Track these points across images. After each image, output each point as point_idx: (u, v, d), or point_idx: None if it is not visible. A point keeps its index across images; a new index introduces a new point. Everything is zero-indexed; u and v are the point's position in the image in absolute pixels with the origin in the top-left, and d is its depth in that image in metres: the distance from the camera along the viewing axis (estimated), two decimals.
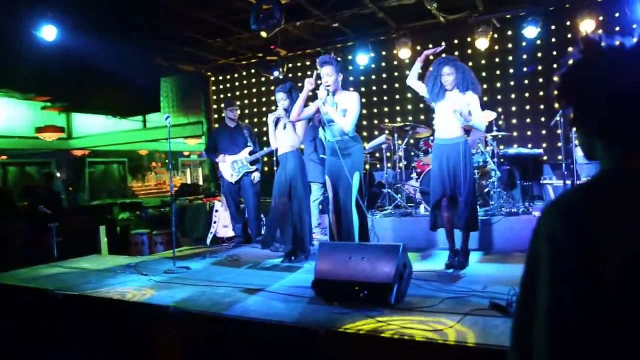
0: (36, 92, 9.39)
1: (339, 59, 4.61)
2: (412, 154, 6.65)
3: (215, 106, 10.22)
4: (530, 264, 0.96)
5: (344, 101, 4.29)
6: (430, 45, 8.24)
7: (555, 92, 1.02)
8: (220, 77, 10.24)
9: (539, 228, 0.93)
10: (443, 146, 4.20)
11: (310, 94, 4.42)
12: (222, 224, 6.40)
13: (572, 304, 0.85)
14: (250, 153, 6.09)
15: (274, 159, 5.19)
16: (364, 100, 8.72)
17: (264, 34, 6.36)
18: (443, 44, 4.83)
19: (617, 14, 7.10)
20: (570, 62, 1.01)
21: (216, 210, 6.48)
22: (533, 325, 0.91)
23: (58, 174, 12.23)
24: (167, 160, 10.86)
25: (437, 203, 4.27)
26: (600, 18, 6.87)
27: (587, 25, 6.68)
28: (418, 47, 8.18)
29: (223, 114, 6.41)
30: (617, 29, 7.00)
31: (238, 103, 7.75)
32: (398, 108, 8.58)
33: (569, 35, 7.31)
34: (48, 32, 5.99)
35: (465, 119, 4.05)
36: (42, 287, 4.21)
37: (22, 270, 5.07)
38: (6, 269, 5.16)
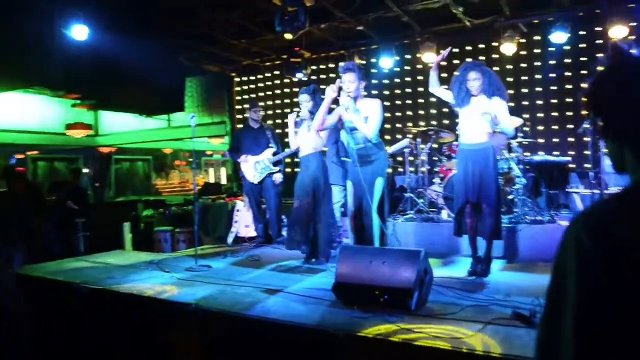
0: (67, 90, 9.66)
1: (361, 65, 4.60)
2: (436, 158, 6.60)
3: (239, 107, 10.31)
4: (556, 276, 0.95)
5: (366, 108, 4.27)
6: (457, 50, 8.20)
7: (584, 101, 1.01)
8: (245, 78, 10.33)
9: (567, 239, 0.92)
10: (469, 152, 4.16)
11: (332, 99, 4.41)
12: (244, 224, 6.46)
13: (600, 316, 0.84)
14: (273, 154, 6.13)
15: (298, 160, 5.22)
16: (387, 103, 8.70)
17: (288, 36, 6.40)
18: (456, 50, 4.79)
19: None
20: (600, 69, 1.00)
21: (238, 210, 6.55)
22: (559, 339, 0.90)
23: (86, 170, 12.51)
24: (191, 159, 10.98)
25: (460, 209, 4.23)
26: (633, 24, 6.70)
27: (618, 32, 6.53)
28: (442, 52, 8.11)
29: (247, 115, 6.47)
30: None
31: (262, 104, 7.79)
32: (422, 112, 8.52)
33: (599, 42, 7.15)
34: (79, 32, 6.14)
35: (494, 123, 4.01)
36: (68, 281, 4.32)
37: (49, 264, 5.21)
38: (34, 262, 5.31)
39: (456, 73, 4.31)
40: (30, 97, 11.11)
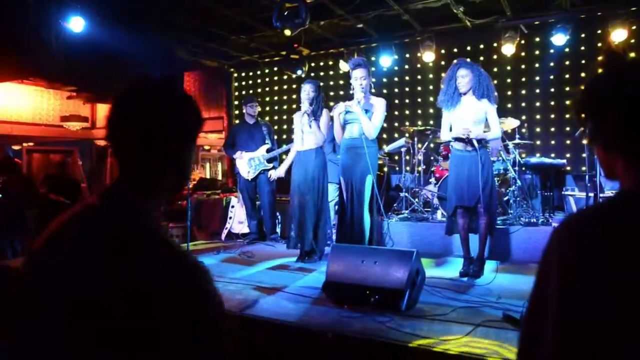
0: (63, 82, 9.59)
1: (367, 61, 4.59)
2: (432, 158, 6.58)
3: (236, 102, 10.26)
4: (539, 280, 0.93)
5: (372, 106, 4.30)
6: (455, 50, 8.17)
7: (575, 106, 0.98)
8: (243, 74, 10.28)
9: (550, 249, 0.90)
10: (462, 157, 4.12)
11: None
12: (238, 220, 6.43)
13: (581, 322, 0.82)
14: (268, 151, 6.09)
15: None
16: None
17: (287, 32, 6.35)
18: (455, 49, 4.74)
19: None
20: (593, 75, 0.97)
21: (232, 206, 6.52)
22: (539, 344, 0.88)
23: (80, 162, 12.42)
24: None
25: (453, 212, 4.22)
26: (634, 27, 6.68)
27: (618, 35, 6.50)
28: (442, 51, 8.09)
29: (244, 110, 6.43)
30: None
31: (260, 100, 7.70)
32: (420, 111, 8.49)
33: (599, 44, 7.13)
34: (76, 24, 6.09)
35: (477, 137, 4.00)
36: None
37: None
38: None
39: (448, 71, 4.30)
40: (25, 88, 11.03)
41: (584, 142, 5.76)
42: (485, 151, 4.11)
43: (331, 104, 4.59)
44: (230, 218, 6.48)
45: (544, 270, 0.90)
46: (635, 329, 0.79)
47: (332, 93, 8.87)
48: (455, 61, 4.25)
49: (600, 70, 0.98)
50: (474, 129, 4.03)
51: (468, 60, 4.31)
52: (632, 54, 6.75)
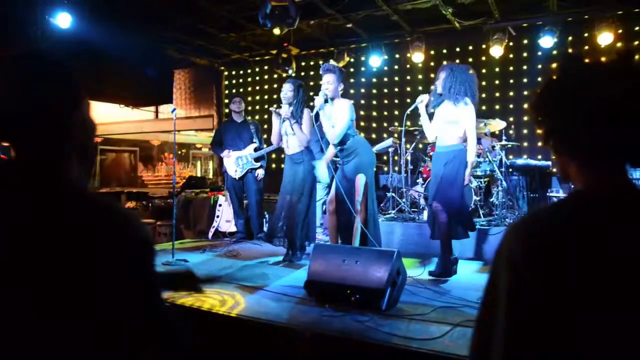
0: None
1: (342, 68, 4.63)
2: (419, 159, 6.61)
3: (227, 100, 10.25)
4: (491, 279, 0.94)
5: (337, 110, 4.32)
6: (445, 51, 8.20)
7: (530, 108, 1.00)
8: (233, 72, 10.26)
9: (501, 250, 0.91)
10: (440, 154, 4.18)
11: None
12: (225, 218, 6.42)
13: (527, 319, 0.84)
14: (256, 150, 6.09)
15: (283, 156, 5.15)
16: (374, 102, 8.70)
17: (277, 31, 6.35)
18: (444, 50, 4.77)
19: (637, 28, 6.98)
20: (549, 78, 0.99)
21: (220, 205, 6.51)
22: (490, 341, 0.89)
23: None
24: (178, 152, 10.90)
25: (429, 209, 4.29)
26: (620, 31, 6.75)
27: (604, 38, 6.58)
28: (432, 52, 8.12)
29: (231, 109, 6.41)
30: (637, 43, 6.88)
31: (249, 99, 7.67)
32: (408, 112, 8.50)
33: (586, 47, 7.20)
34: (63, 20, 6.05)
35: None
36: None
37: None
38: None
39: None
40: None
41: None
42: (462, 150, 4.06)
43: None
44: (218, 217, 6.47)
45: (495, 266, 0.92)
46: (581, 327, 0.80)
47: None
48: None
49: (557, 73, 1.00)
50: (448, 127, 4.08)
51: (456, 62, 4.34)
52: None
